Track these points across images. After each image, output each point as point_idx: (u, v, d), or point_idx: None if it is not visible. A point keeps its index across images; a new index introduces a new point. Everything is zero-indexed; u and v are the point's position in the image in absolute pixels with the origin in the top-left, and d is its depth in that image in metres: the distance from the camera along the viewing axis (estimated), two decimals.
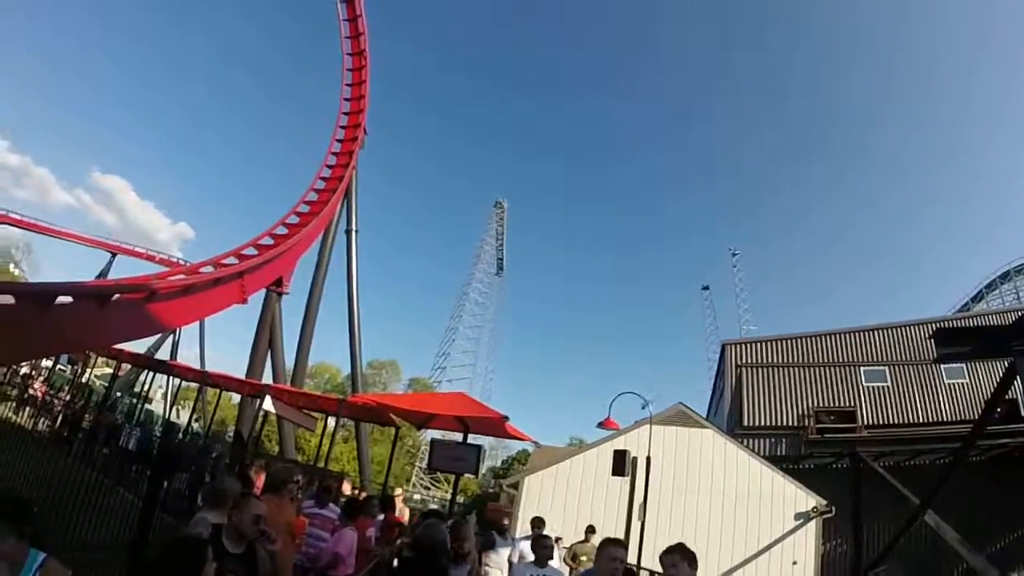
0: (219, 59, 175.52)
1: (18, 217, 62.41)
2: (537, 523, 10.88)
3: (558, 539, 11.72)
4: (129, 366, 37.34)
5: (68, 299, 12.85)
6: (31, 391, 26.67)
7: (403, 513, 14.21)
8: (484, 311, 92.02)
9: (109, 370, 38.46)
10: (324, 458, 17.92)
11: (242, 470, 12.37)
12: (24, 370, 30.05)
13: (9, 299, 12.66)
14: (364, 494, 14.38)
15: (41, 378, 31.77)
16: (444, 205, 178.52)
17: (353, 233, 34.19)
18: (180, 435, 25.33)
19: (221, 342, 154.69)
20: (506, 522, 11.18)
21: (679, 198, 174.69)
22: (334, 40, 37.23)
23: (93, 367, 32.92)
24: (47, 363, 36.30)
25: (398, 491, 15.49)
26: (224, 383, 23.81)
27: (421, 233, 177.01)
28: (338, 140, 34.96)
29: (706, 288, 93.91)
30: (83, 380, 33.18)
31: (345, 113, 35.98)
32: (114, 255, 60.75)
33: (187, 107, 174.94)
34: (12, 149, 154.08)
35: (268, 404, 17.04)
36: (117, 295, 14.36)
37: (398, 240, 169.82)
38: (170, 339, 54.92)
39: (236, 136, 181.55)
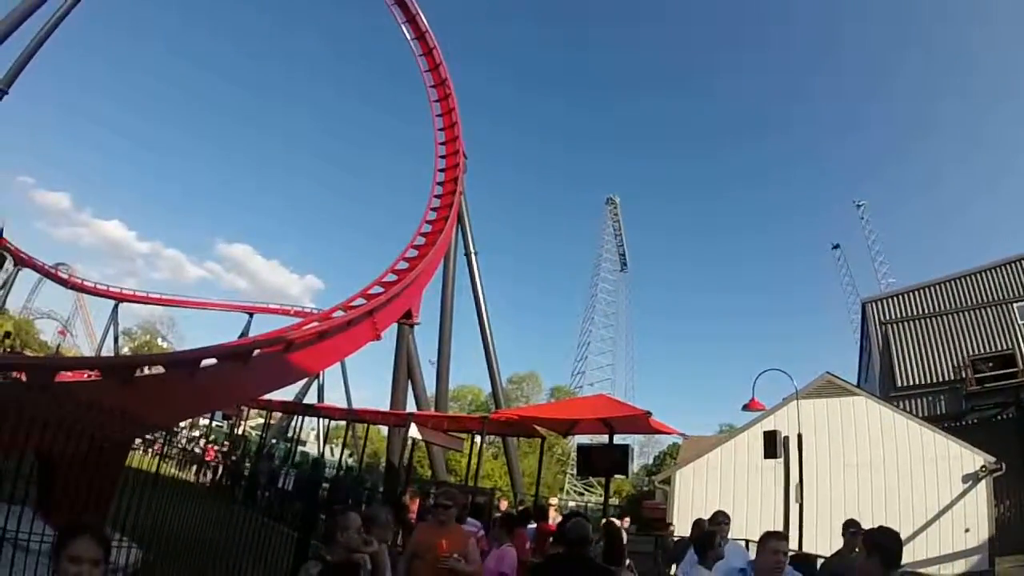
0: (310, 121, 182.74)
1: (157, 296, 68.01)
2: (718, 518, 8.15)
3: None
4: (280, 413, 39.65)
5: (213, 361, 14.09)
6: (194, 449, 29.00)
7: (558, 522, 14.42)
8: (614, 309, 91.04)
9: (262, 420, 41.01)
10: (475, 477, 18.46)
11: (396, 497, 13.01)
12: (183, 430, 32.61)
13: (160, 369, 14.02)
14: (521, 508, 14.76)
15: (199, 435, 34.34)
16: (556, 211, 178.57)
17: (472, 255, 34.75)
18: (334, 470, 26.73)
19: (364, 378, 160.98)
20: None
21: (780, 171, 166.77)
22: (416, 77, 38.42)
23: (246, 419, 35.06)
24: (204, 421, 39.19)
25: (553, 500, 15.76)
26: (370, 417, 24.95)
27: (539, 243, 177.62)
28: (440, 170, 35.55)
29: (836, 247, 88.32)
30: (239, 432, 35.40)
31: (441, 143, 36.51)
32: (251, 315, 64.56)
33: (290, 168, 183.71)
34: (140, 237, 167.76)
35: (413, 431, 17.71)
36: (257, 351, 15.47)
37: (518, 253, 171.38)
38: (315, 383, 57.94)
39: (342, 184, 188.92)
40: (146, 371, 14.35)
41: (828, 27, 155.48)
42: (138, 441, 11.82)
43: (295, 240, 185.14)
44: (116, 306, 67.18)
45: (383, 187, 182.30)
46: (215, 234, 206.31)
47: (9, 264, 54.80)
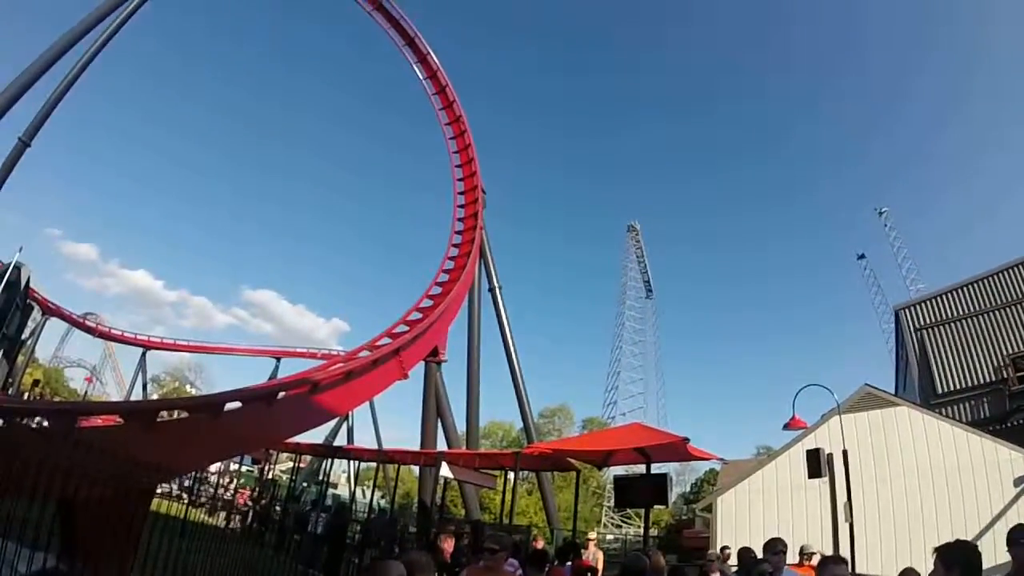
0: (316, 156, 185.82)
1: (185, 343, 68.65)
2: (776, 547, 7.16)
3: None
4: (310, 457, 39.47)
5: (237, 404, 13.85)
6: (224, 495, 28.99)
7: (597, 557, 14.04)
8: (642, 336, 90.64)
9: (292, 464, 40.90)
10: (510, 515, 18.07)
11: (430, 538, 12.75)
12: (213, 477, 32.64)
13: (184, 414, 13.92)
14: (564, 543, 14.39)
15: (229, 480, 34.28)
16: (579, 240, 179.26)
17: (497, 290, 34.55)
18: (365, 512, 26.47)
19: (395, 416, 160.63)
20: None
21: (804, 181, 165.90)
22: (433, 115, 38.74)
23: (275, 462, 34.91)
24: (234, 466, 39.18)
25: (592, 535, 15.37)
26: (400, 457, 24.63)
27: (563, 273, 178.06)
28: (460, 206, 35.63)
29: (862, 256, 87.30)
30: (268, 476, 35.24)
31: (459, 179, 36.67)
32: (278, 359, 64.84)
33: (314, 212, 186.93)
34: (167, 286, 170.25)
35: (445, 470, 17.36)
36: (282, 393, 15.28)
37: (544, 285, 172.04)
38: (344, 425, 57.89)
39: (365, 225, 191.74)
40: (170, 416, 14.18)
41: (847, 30, 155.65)
42: (165, 488, 11.72)
43: (320, 284, 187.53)
44: (144, 353, 67.68)
45: (407, 226, 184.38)
46: (240, 280, 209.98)
47: (37, 313, 55.46)
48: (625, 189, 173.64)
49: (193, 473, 24.32)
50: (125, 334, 68.15)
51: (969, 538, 16.73)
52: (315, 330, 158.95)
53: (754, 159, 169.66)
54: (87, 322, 65.78)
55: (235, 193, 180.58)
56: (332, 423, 55.50)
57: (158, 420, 12.19)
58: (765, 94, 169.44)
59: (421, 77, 38.10)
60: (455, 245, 33.16)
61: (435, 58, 37.63)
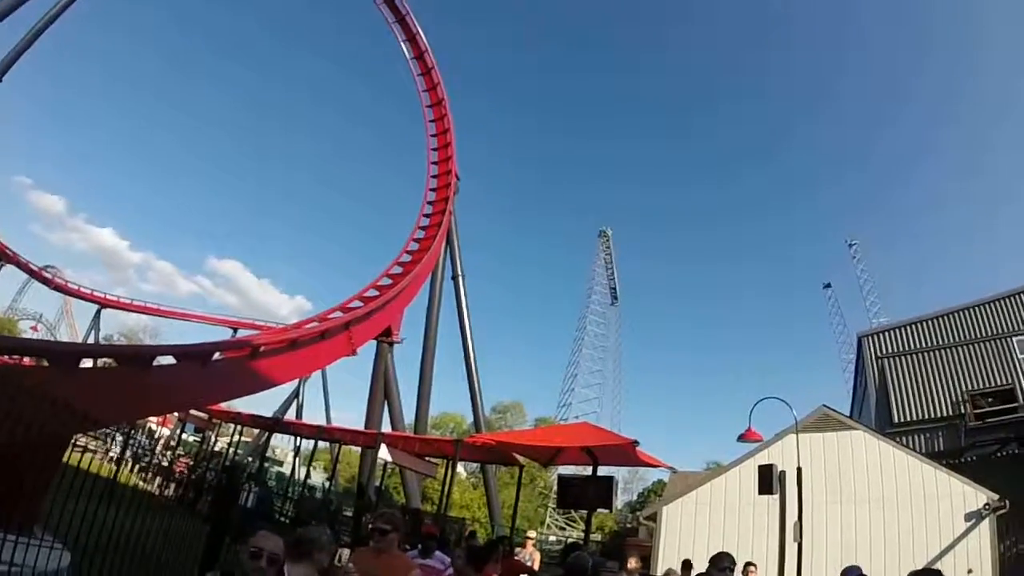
0: (304, 137, 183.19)
1: (141, 304, 66.70)
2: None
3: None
4: (256, 431, 38.31)
5: (170, 360, 13.11)
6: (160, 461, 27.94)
7: (534, 557, 13.39)
8: (604, 341, 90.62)
9: (244, 438, 39.73)
10: (444, 505, 17.31)
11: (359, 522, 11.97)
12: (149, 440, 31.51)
13: (111, 362, 12.95)
14: (493, 539, 13.70)
15: (173, 447, 33.13)
16: (550, 241, 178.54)
17: (460, 279, 34.19)
18: (307, 491, 25.60)
19: (350, 400, 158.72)
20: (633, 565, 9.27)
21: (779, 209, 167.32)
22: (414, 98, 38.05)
23: (217, 432, 33.67)
24: (167, 432, 38.01)
25: (531, 534, 14.68)
26: (339, 435, 23.67)
27: (531, 271, 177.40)
28: (431, 189, 35.16)
29: (828, 286, 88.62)
30: (212, 447, 34.08)
31: (434, 163, 36.19)
32: (235, 330, 63.06)
33: (288, 187, 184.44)
34: (133, 247, 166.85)
35: (384, 452, 16.54)
36: (219, 354, 14.38)
37: (510, 282, 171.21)
38: (295, 401, 56.61)
39: (337, 208, 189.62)
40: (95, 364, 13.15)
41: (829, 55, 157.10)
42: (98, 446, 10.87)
43: (288, 260, 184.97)
44: (99, 311, 65.46)
45: (378, 214, 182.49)
46: (207, 248, 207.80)
47: None
48: (599, 194, 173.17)
49: (127, 433, 23.34)
50: (82, 289, 65.92)
51: (917, 568, 16.42)
52: (278, 306, 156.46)
53: (726, 177, 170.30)
54: (43, 273, 63.67)
55: (208, 159, 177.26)
56: (283, 398, 54.58)
57: (84, 367, 11.35)
58: (742, 117, 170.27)
59: (408, 57, 37.23)
60: (422, 228, 32.51)
61: (424, 38, 36.74)
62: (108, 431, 26.07)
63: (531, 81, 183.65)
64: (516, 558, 11.53)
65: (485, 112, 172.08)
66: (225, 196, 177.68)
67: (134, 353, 13.32)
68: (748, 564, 11.42)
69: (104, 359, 13.55)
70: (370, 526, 5.72)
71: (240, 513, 19.64)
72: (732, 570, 5.96)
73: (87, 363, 12.11)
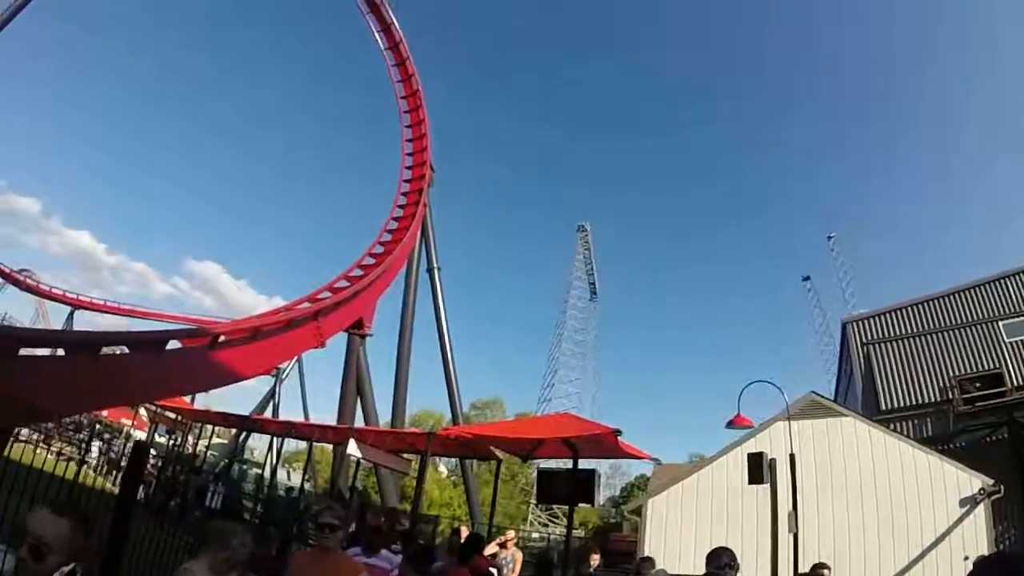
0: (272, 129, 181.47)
1: (115, 305, 65.24)
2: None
3: None
4: (235, 433, 37.34)
5: (123, 349, 12.36)
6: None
7: (516, 558, 12.54)
8: (583, 336, 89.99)
9: (220, 440, 38.59)
10: (416, 502, 16.39)
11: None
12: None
13: (60, 351, 11.99)
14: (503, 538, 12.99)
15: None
16: (529, 237, 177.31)
17: (435, 271, 33.75)
18: (269, 491, 24.81)
19: (332, 404, 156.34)
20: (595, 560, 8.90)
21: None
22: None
23: (187, 432, 32.62)
24: (142, 435, 36.94)
25: (509, 533, 13.84)
26: (308, 432, 22.64)
27: (511, 267, 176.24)
28: (405, 180, 34.37)
29: (807, 279, 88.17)
30: (182, 448, 33.07)
31: (408, 154, 35.42)
32: None
33: (251, 185, 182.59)
34: (109, 250, 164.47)
35: (353, 448, 15.58)
36: (175, 342, 13.46)
37: (489, 278, 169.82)
38: (272, 402, 55.48)
39: (315, 209, 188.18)
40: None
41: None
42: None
43: (265, 261, 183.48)
44: (72, 313, 63.92)
45: (360, 219, 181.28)
46: (184, 250, 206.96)
47: None
48: (580, 193, 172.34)
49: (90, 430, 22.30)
50: (53, 290, 64.53)
51: (912, 556, 15.83)
52: (255, 307, 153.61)
53: (707, 177, 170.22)
54: (14, 275, 62.13)
55: (186, 159, 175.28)
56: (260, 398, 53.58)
57: (26, 354, 10.39)
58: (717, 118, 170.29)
59: (382, 47, 36.26)
60: (395, 218, 31.61)
61: (399, 28, 35.81)
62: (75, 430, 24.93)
63: (505, 77, 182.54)
64: (491, 558, 10.80)
65: (459, 109, 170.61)
66: (204, 196, 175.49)
67: (81, 340, 12.31)
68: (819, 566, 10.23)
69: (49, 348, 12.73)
70: (316, 521, 4.86)
71: (205, 514, 18.82)
72: (733, 568, 5.09)
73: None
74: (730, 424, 13.26)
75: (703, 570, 5.04)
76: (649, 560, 9.93)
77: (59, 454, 17.97)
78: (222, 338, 14.99)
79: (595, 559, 8.64)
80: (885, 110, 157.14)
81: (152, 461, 30.42)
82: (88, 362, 10.96)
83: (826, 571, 4.79)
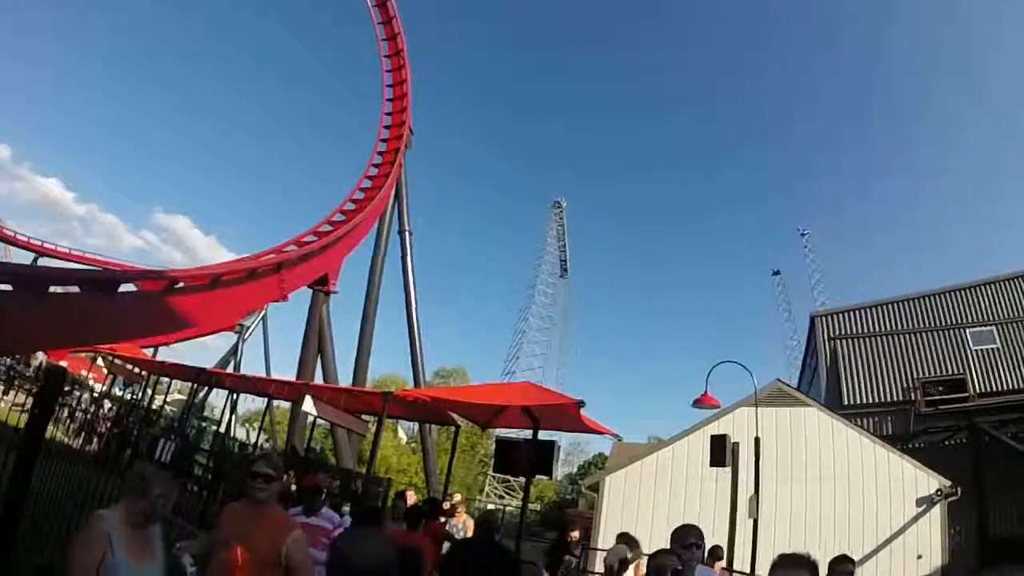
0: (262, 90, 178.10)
1: (78, 253, 63.70)
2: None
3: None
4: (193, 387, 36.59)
5: (73, 289, 11.69)
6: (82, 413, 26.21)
7: (467, 525, 12.20)
8: (551, 312, 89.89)
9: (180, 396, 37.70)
10: (370, 464, 15.93)
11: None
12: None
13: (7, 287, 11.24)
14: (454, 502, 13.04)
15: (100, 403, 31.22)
16: (505, 206, 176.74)
17: (407, 234, 33.41)
18: (220, 444, 24.37)
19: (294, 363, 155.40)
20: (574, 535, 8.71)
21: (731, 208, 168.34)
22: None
23: (146, 385, 31.84)
24: (102, 387, 36.06)
25: (456, 497, 13.49)
26: (263, 387, 21.99)
27: (486, 235, 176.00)
28: (383, 140, 33.88)
29: (777, 273, 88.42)
30: (140, 401, 32.32)
31: (388, 113, 34.89)
32: None
33: (225, 152, 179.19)
34: (79, 200, 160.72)
35: (308, 405, 14.99)
36: (128, 284, 12.76)
37: (464, 244, 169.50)
38: (234, 359, 54.71)
39: (290, 170, 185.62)
40: None
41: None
42: None
43: (236, 219, 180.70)
44: (35, 260, 62.24)
45: (338, 179, 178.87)
46: (154, 202, 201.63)
47: None
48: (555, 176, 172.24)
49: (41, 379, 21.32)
50: (18, 236, 62.62)
51: (866, 551, 15.66)
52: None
53: (697, 169, 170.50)
54: None
55: (158, 109, 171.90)
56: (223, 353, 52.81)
57: None
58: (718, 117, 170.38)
59: (370, 4, 35.37)
60: (369, 177, 30.94)
61: None
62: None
63: (487, 61, 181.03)
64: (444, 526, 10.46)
65: (445, 86, 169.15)
66: (178, 151, 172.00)
67: (26, 275, 11.54)
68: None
69: None
70: (253, 470, 4.33)
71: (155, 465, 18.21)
72: (699, 548, 4.67)
73: None
74: (696, 403, 12.94)
75: (658, 548, 4.61)
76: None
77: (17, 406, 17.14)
78: (180, 284, 14.31)
79: (575, 535, 8.45)
80: (884, 110, 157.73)
81: (105, 412, 29.89)
82: (33, 300, 10.29)
83: (850, 565, 4.44)
